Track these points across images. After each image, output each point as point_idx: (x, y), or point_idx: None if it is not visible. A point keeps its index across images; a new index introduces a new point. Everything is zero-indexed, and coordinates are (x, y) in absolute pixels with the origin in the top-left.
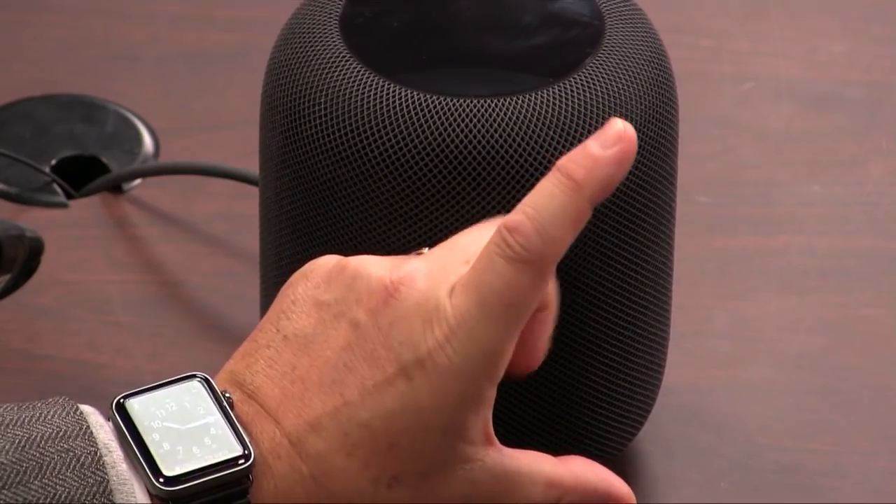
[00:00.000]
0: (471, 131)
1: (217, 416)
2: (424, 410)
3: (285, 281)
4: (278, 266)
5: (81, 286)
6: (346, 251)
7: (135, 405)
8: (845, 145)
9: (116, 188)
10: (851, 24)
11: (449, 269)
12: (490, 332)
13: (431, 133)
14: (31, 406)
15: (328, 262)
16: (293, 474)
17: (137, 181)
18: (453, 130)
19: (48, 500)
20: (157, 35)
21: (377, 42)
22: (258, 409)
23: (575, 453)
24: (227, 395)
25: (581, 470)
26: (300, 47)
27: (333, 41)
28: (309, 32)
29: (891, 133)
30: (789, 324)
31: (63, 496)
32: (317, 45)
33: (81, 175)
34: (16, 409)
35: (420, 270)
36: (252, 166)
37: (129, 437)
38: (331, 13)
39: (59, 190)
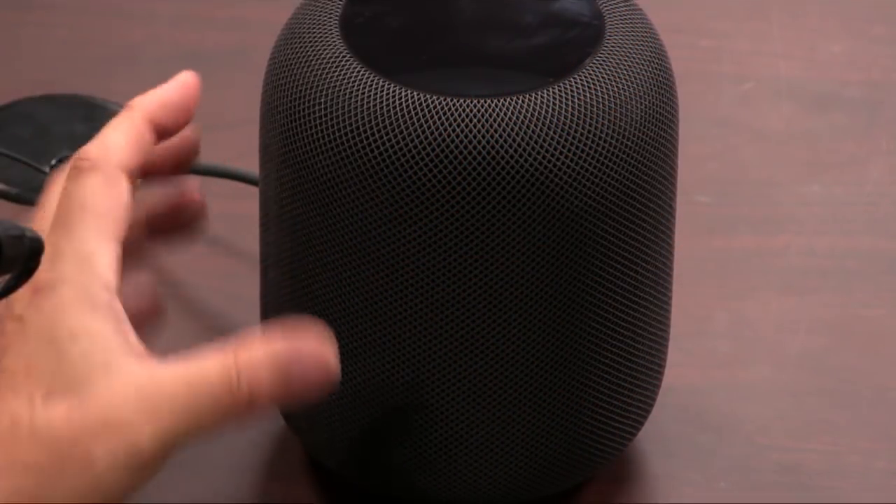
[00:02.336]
0: (471, 131)
1: None
2: (45, 329)
3: (285, 281)
4: (278, 266)
5: None
6: (346, 251)
7: None
8: (845, 145)
9: None
10: (851, 24)
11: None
12: (76, 239)
13: (431, 133)
14: None
15: None
16: None
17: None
18: (453, 130)
19: None
20: (157, 35)
21: (377, 42)
22: None
23: (575, 453)
24: None
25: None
26: (300, 47)
27: (333, 41)
28: (309, 32)
29: (891, 133)
30: (789, 324)
31: None
32: (317, 45)
33: None
34: None
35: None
36: (252, 166)
37: None
38: (331, 13)
39: None
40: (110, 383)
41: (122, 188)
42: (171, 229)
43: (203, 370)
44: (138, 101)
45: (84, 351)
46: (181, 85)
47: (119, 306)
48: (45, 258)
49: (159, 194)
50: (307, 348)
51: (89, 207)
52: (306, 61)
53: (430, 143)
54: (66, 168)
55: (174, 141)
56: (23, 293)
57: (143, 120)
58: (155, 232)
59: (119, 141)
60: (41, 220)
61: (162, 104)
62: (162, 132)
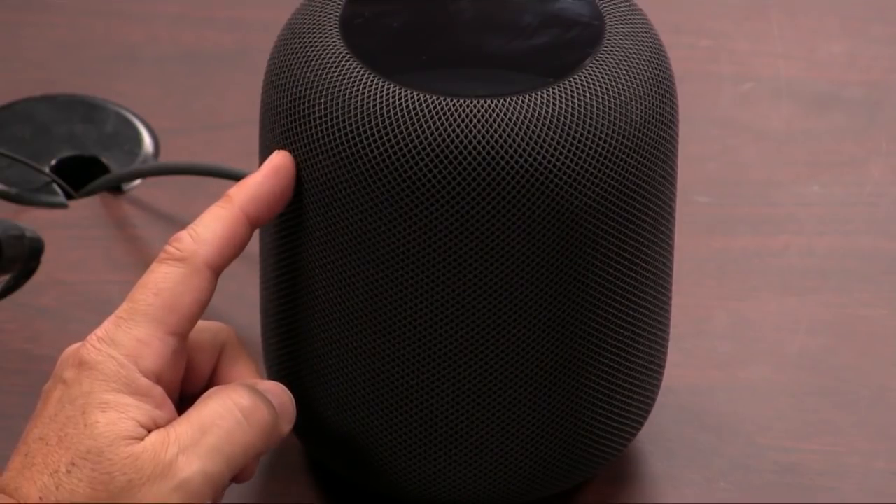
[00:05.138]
0: (471, 131)
1: None
2: (82, 400)
3: (285, 281)
4: (278, 266)
5: (81, 286)
6: (346, 251)
7: None
8: (845, 145)
9: (116, 188)
10: (851, 24)
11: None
12: (137, 325)
13: (431, 133)
14: None
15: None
16: None
17: (137, 181)
18: (453, 130)
19: None
20: (157, 35)
21: (377, 42)
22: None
23: (575, 454)
24: None
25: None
26: (300, 47)
27: (333, 41)
28: (309, 32)
29: (891, 133)
30: (789, 324)
31: None
32: (317, 45)
33: (81, 175)
34: None
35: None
36: (252, 166)
37: None
38: (331, 13)
39: (59, 190)
40: (134, 451)
41: (203, 285)
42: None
43: (209, 403)
44: (236, 192)
45: (111, 420)
46: (275, 172)
47: (159, 391)
48: (104, 334)
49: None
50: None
51: (162, 298)
52: (306, 61)
53: (430, 143)
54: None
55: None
56: (72, 360)
57: (241, 214)
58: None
59: (213, 236)
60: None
61: (258, 197)
62: (257, 224)
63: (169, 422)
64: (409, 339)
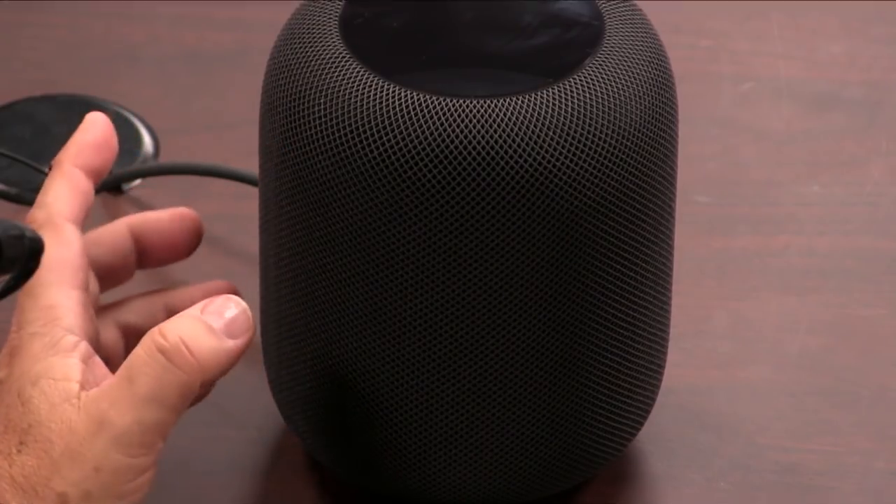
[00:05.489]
0: (470, 131)
1: None
2: (17, 384)
3: (285, 281)
4: (278, 266)
5: None
6: (346, 251)
7: None
8: (845, 145)
9: (116, 188)
10: (851, 24)
11: None
12: (38, 296)
13: (431, 133)
14: None
15: None
16: None
17: (137, 181)
18: (453, 130)
19: None
20: (157, 35)
21: (377, 42)
22: None
23: (575, 453)
24: None
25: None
26: (300, 47)
27: (333, 41)
28: (309, 32)
29: (891, 133)
30: (789, 324)
31: None
32: (317, 45)
33: None
34: None
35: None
36: (252, 166)
37: None
38: (331, 13)
39: None
40: (67, 414)
41: (71, 238)
42: (166, 250)
43: (134, 352)
44: (60, 155)
45: (42, 390)
46: (91, 125)
47: (86, 346)
48: (15, 321)
49: (153, 217)
50: (216, 299)
51: (44, 264)
52: (306, 61)
53: (430, 143)
54: None
55: (171, 226)
56: (3, 359)
57: (72, 169)
58: (149, 255)
59: (57, 195)
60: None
61: (80, 149)
62: (94, 172)
63: (104, 375)
64: (408, 339)
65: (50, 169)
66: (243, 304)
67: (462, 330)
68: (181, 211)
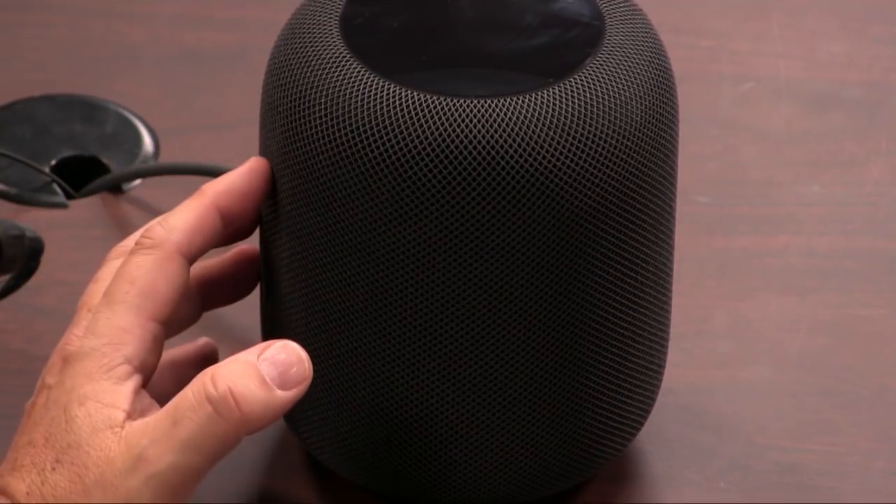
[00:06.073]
0: (471, 131)
1: None
2: (64, 397)
3: (285, 281)
4: (278, 266)
5: (81, 286)
6: (346, 251)
7: None
8: (845, 145)
9: (116, 188)
10: (851, 24)
11: None
12: (115, 314)
13: (431, 133)
14: None
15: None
16: None
17: (137, 181)
18: (453, 130)
19: None
20: (157, 35)
21: (377, 42)
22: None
23: (575, 453)
24: None
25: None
26: (300, 47)
27: (333, 41)
28: (309, 32)
29: (891, 133)
30: (789, 324)
31: None
32: (317, 45)
33: (81, 175)
34: None
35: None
36: None
37: None
38: (331, 13)
39: (59, 190)
40: (107, 443)
41: (177, 270)
42: (224, 294)
43: (183, 393)
44: (208, 186)
45: (88, 412)
46: (249, 171)
47: (139, 378)
48: (82, 327)
49: (215, 266)
50: (274, 344)
51: (137, 285)
52: (306, 61)
53: (430, 143)
54: (125, 243)
55: (235, 268)
56: (55, 363)
57: (211, 205)
58: (209, 300)
59: (184, 223)
60: (94, 292)
61: (230, 191)
62: (229, 218)
63: (149, 406)
64: (408, 339)
65: (51, 168)
66: (302, 353)
67: (462, 330)
68: (240, 251)
